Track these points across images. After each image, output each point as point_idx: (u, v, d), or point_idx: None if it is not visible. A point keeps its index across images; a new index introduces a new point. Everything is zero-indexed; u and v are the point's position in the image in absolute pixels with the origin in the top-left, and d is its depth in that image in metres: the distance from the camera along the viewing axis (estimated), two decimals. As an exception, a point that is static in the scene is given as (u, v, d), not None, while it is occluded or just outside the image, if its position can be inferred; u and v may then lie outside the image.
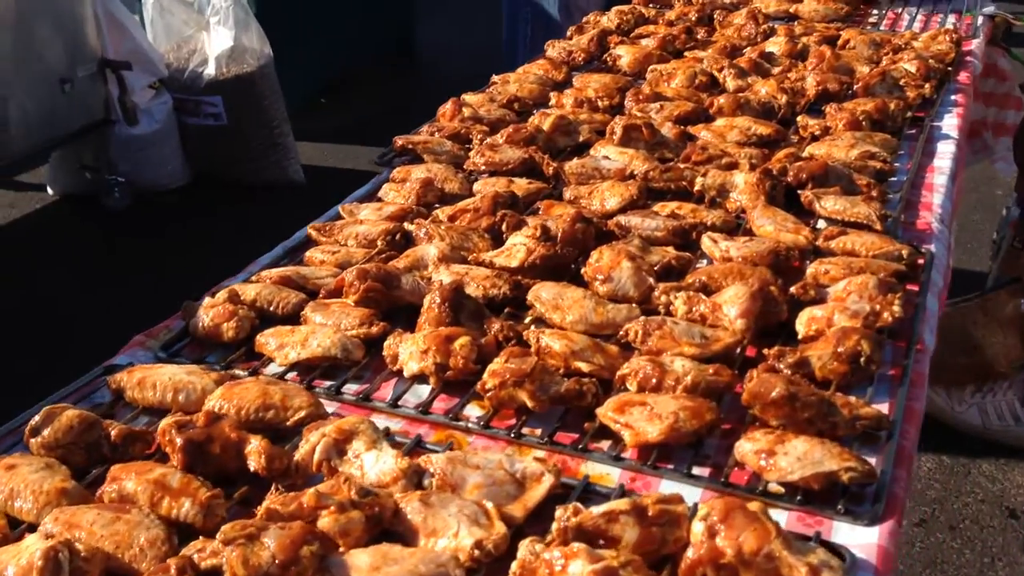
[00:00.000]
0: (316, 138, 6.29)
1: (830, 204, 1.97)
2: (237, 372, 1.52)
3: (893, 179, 2.17)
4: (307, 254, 1.83)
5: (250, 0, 5.77)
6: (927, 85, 2.64)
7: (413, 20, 7.80)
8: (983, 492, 3.41)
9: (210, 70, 5.16)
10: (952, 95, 2.73)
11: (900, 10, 3.59)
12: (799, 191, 2.02)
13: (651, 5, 3.59)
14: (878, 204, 1.96)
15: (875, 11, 3.58)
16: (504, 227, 1.86)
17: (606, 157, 2.17)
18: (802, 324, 1.58)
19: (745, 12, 3.25)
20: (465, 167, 2.19)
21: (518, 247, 1.76)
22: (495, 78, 2.76)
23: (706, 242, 1.83)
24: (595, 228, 1.86)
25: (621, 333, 1.56)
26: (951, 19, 3.40)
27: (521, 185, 2.05)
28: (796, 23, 3.30)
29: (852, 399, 1.37)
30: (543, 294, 1.65)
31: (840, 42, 3.04)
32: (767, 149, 2.26)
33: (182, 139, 5.41)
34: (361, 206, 2.00)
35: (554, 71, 2.77)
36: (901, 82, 2.66)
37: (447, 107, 2.40)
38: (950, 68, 2.84)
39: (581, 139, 2.33)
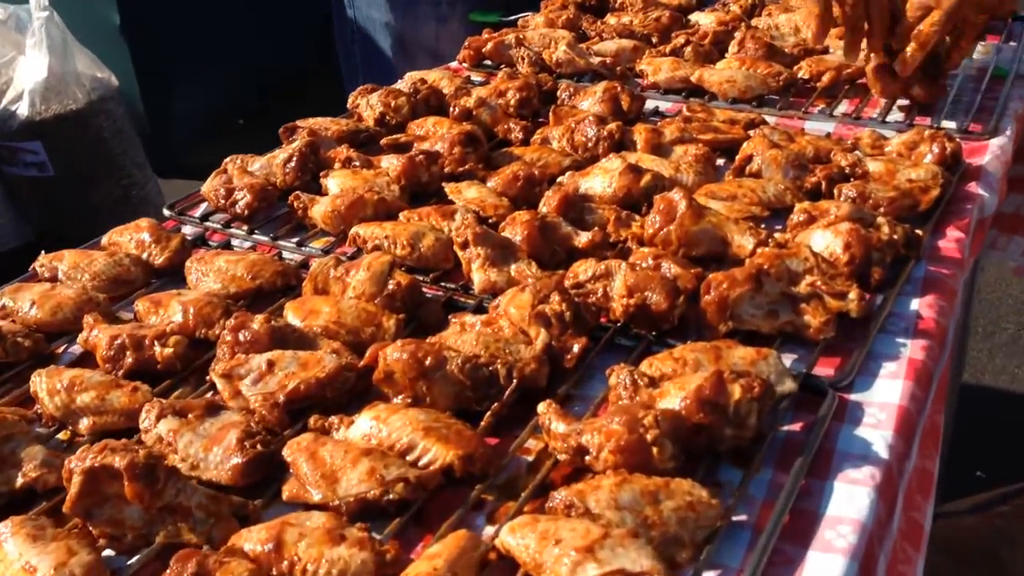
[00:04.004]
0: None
1: None
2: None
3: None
4: None
5: (109, 8, 4.64)
6: (852, 294, 1.31)
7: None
8: None
9: (23, 108, 4.00)
10: (913, 298, 1.38)
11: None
12: None
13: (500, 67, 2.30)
14: None
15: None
16: None
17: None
18: None
19: (601, 89, 1.93)
20: None
21: None
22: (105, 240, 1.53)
23: None
24: None
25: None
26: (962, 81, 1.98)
27: None
28: (689, 105, 1.95)
29: None
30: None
31: (738, 159, 1.71)
32: None
33: (10, 193, 4.30)
34: None
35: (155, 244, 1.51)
36: (804, 284, 1.33)
37: None
38: (919, 232, 1.49)
39: None
